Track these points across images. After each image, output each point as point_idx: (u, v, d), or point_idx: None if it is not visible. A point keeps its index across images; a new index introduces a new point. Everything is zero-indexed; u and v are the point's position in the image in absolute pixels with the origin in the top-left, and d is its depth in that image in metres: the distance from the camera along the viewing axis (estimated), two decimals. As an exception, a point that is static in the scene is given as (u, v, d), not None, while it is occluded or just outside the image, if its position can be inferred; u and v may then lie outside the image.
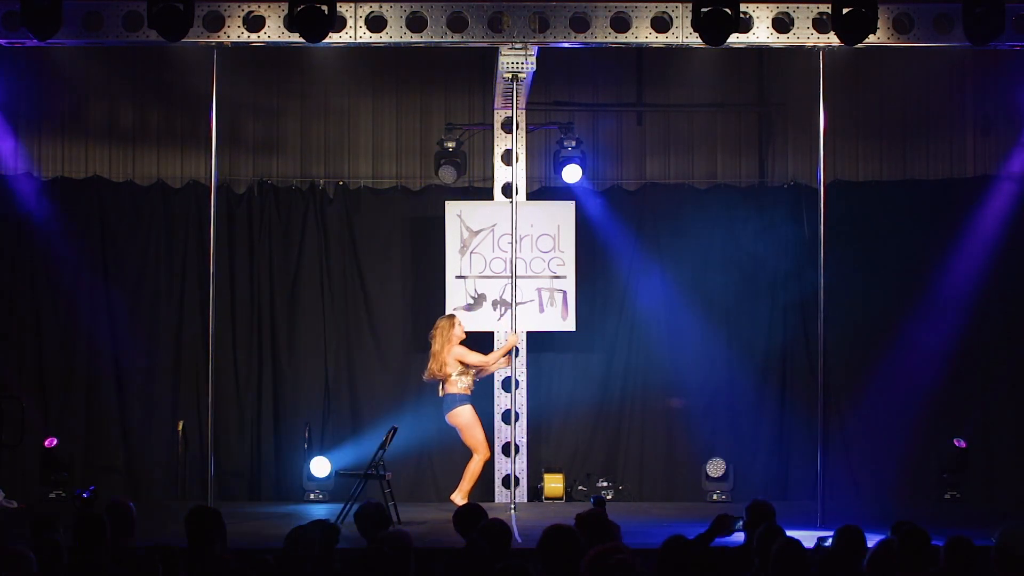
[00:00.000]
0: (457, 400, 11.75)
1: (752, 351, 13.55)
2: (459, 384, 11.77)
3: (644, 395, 13.55)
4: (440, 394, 11.88)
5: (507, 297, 12.14)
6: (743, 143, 13.93)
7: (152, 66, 13.28)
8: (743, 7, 10.53)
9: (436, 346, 11.82)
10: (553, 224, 12.83)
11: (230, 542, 6.79)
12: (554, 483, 12.93)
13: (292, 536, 6.31)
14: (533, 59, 11.10)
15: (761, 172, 13.86)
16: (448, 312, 12.40)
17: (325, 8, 10.15)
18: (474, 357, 11.88)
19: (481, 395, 12.71)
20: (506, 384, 12.48)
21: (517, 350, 12.03)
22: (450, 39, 10.92)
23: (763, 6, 10.84)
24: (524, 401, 12.66)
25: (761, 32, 10.88)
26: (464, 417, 11.78)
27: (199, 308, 12.95)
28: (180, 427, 13.01)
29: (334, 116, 13.77)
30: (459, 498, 11.63)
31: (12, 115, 13.45)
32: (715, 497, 12.94)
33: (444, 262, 12.82)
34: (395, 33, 10.89)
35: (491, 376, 12.51)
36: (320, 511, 11.29)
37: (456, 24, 10.89)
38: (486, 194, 13.15)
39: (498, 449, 12.72)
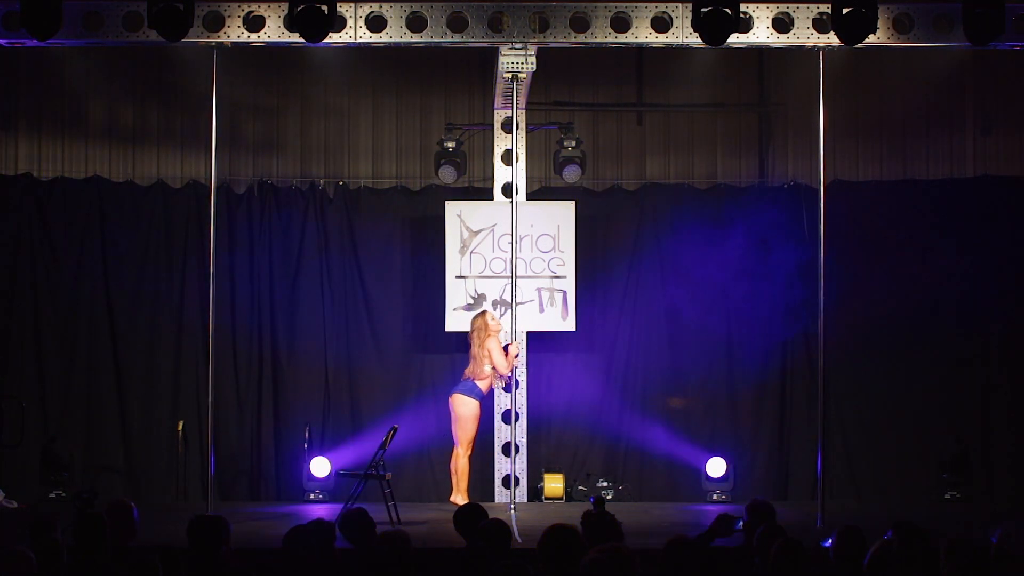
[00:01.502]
0: (474, 391, 11.80)
1: (752, 351, 13.55)
2: (486, 382, 11.83)
3: (644, 395, 13.55)
4: (464, 375, 11.89)
5: (507, 297, 12.14)
6: (743, 143, 13.94)
7: (152, 66, 13.28)
8: (743, 7, 10.53)
9: (474, 348, 11.91)
10: (553, 224, 12.83)
11: (230, 542, 6.79)
12: (554, 483, 12.93)
13: (291, 535, 6.31)
14: (533, 59, 11.08)
15: (761, 172, 13.86)
16: (479, 310, 12.34)
17: (325, 8, 10.15)
18: (499, 357, 11.89)
19: (481, 395, 12.75)
20: (506, 384, 12.48)
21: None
22: (450, 39, 10.91)
23: (763, 6, 10.83)
24: (524, 401, 12.66)
25: (761, 32, 10.87)
26: (468, 408, 11.81)
27: (199, 308, 12.95)
28: (180, 427, 13.01)
29: (334, 116, 13.77)
30: (459, 498, 11.63)
31: (12, 115, 13.47)
32: (715, 497, 12.94)
33: (444, 262, 12.82)
34: (395, 33, 10.88)
35: (491, 376, 12.51)
36: (320, 511, 11.27)
37: (456, 24, 10.88)
38: (486, 194, 13.15)
39: (498, 449, 12.71)
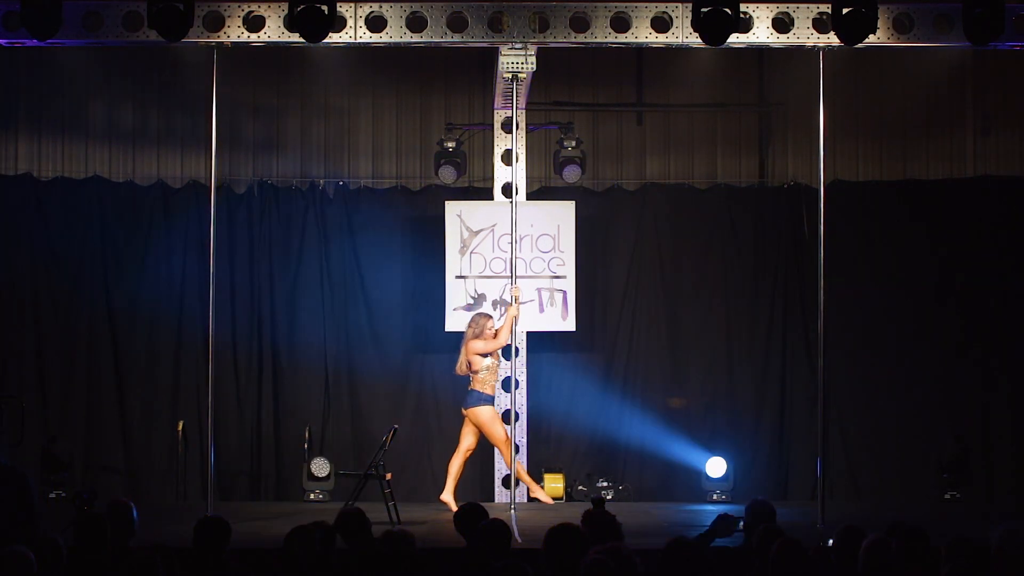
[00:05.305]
0: (482, 399, 11.66)
1: (752, 351, 13.57)
2: (487, 384, 11.68)
3: (644, 395, 13.55)
4: (468, 387, 11.75)
5: (507, 297, 12.13)
6: (743, 143, 13.94)
7: (152, 66, 13.28)
8: (743, 7, 10.51)
9: (463, 344, 11.82)
10: (553, 224, 12.83)
11: (230, 541, 6.79)
12: (554, 483, 12.92)
13: (292, 535, 6.30)
14: (533, 59, 11.08)
15: (761, 172, 13.87)
16: (479, 311, 12.25)
17: (325, 8, 10.14)
18: (486, 344, 11.74)
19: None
20: (506, 384, 12.46)
21: (518, 350, 11.97)
22: (450, 39, 10.91)
23: (763, 6, 10.83)
24: (524, 401, 12.65)
25: (761, 32, 10.86)
26: (485, 416, 11.68)
27: (199, 308, 12.93)
28: (180, 427, 13.01)
29: (334, 116, 13.77)
30: (541, 495, 11.97)
31: (12, 115, 13.47)
32: (715, 497, 12.94)
33: (444, 262, 12.82)
34: (395, 33, 10.87)
35: (491, 376, 12.47)
36: (320, 511, 11.26)
37: (456, 24, 10.87)
38: (486, 194, 13.15)
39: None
